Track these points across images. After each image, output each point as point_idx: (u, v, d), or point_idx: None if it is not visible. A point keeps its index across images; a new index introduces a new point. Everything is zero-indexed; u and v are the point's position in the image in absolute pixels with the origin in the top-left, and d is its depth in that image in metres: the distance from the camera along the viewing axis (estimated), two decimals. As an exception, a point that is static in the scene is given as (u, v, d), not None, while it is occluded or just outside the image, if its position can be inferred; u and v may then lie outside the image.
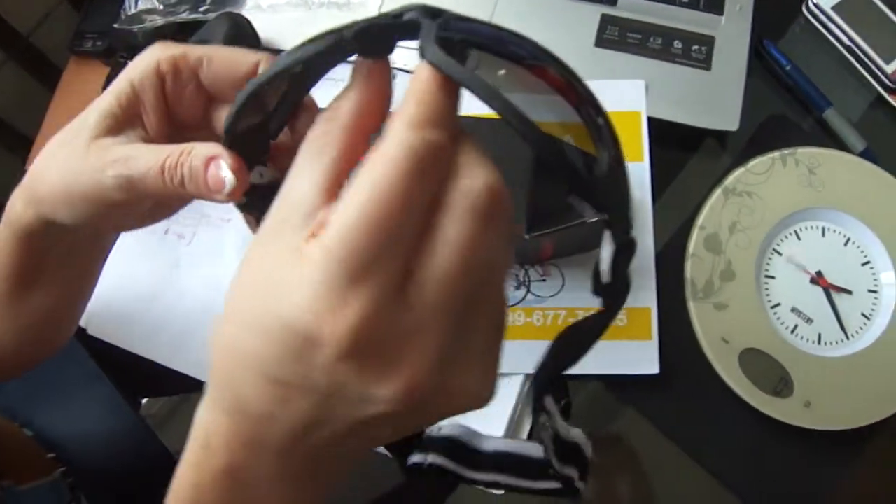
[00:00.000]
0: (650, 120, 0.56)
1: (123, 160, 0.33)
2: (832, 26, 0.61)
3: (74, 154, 0.34)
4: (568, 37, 0.59)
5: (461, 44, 0.23)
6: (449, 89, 0.22)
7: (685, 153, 0.59)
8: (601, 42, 0.58)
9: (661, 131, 0.56)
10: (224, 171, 0.30)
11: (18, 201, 0.38)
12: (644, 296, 0.53)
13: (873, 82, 0.60)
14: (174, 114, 0.36)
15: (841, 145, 0.58)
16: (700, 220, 0.54)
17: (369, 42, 0.23)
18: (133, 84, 0.34)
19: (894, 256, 0.54)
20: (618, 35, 0.58)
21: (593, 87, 0.59)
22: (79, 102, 0.62)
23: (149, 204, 0.37)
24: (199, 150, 0.31)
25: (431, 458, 0.38)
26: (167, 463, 0.56)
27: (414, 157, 0.20)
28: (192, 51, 0.34)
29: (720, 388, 0.52)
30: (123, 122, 0.35)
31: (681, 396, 0.53)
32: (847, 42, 0.60)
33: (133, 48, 0.62)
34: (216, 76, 0.34)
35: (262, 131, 0.31)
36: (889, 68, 0.59)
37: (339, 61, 0.25)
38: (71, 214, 0.36)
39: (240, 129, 0.29)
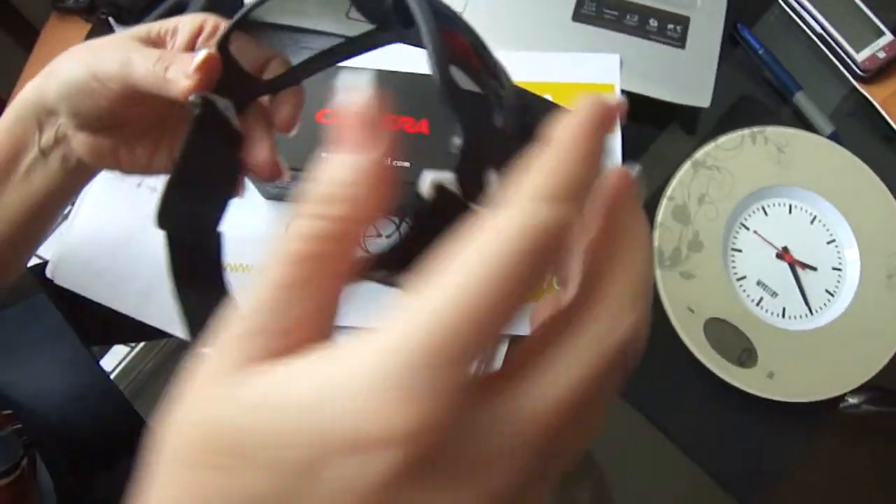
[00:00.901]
0: (624, 93, 0.58)
1: (135, 46, 0.38)
2: (805, 14, 0.64)
3: (103, 40, 0.40)
4: (546, 10, 0.61)
5: None
6: (593, 158, 0.19)
7: (656, 129, 0.61)
8: (578, 17, 0.61)
9: (633, 105, 0.58)
10: (199, 54, 0.35)
11: (33, 80, 0.42)
12: (612, 262, 0.55)
13: (843, 70, 0.63)
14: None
15: (810, 128, 0.61)
16: (669, 190, 0.57)
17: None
18: (178, 22, 0.41)
19: (859, 236, 0.56)
20: (595, 10, 0.61)
21: (567, 60, 0.62)
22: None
23: (126, 103, 0.40)
24: (194, 53, 0.36)
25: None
26: (131, 419, 0.57)
27: (539, 235, 0.17)
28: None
29: (685, 356, 0.54)
30: (153, 42, 0.41)
31: (645, 363, 0.54)
32: (819, 30, 0.63)
33: (116, 6, 0.64)
34: (239, 51, 0.38)
35: (250, 83, 0.37)
36: (859, 57, 0.62)
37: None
38: (64, 80, 0.40)
39: (231, 58, 0.36)
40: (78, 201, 0.61)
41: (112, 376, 0.60)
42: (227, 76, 0.37)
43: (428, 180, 0.22)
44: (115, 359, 0.78)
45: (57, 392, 0.69)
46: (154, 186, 0.60)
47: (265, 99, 0.41)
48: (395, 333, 0.16)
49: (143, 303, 0.57)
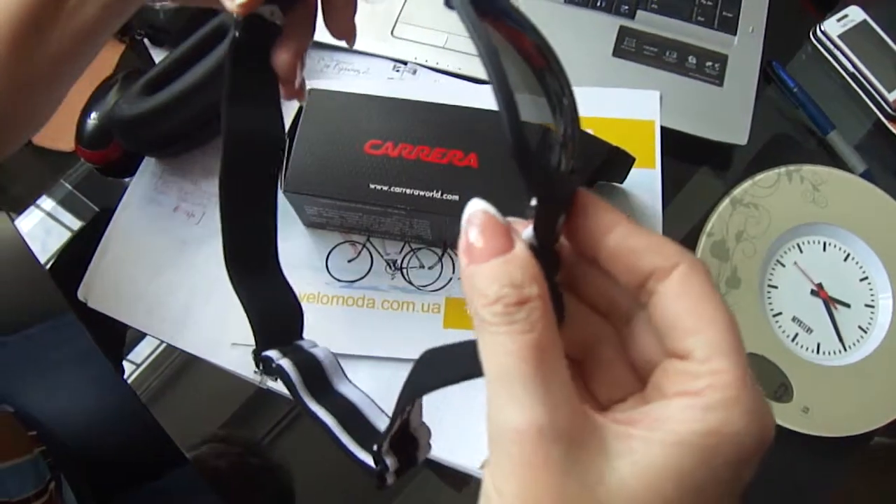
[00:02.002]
0: (663, 129, 0.61)
1: None
2: (838, 53, 0.67)
3: None
4: (587, 45, 0.64)
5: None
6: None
7: (695, 164, 0.64)
8: (619, 52, 0.64)
9: (673, 141, 0.61)
10: None
11: None
12: (652, 297, 0.57)
13: (875, 109, 0.66)
14: None
15: (843, 166, 0.63)
16: (708, 227, 0.59)
17: None
18: None
19: (891, 273, 0.59)
20: (635, 47, 0.64)
21: (609, 96, 0.65)
22: (90, 80, 0.65)
23: None
24: None
25: (283, 363, 0.40)
26: (159, 441, 0.58)
27: (706, 267, 0.24)
28: None
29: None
30: None
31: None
32: (851, 69, 0.66)
33: (153, 26, 0.66)
34: None
35: None
36: (890, 96, 0.65)
37: None
38: None
39: None
40: (111, 223, 0.62)
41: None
42: None
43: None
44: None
45: (83, 413, 0.70)
46: (190, 212, 0.62)
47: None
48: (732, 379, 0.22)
49: (181, 330, 0.58)
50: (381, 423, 0.43)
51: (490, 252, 0.22)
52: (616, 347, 0.27)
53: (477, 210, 0.23)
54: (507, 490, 0.21)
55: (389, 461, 0.37)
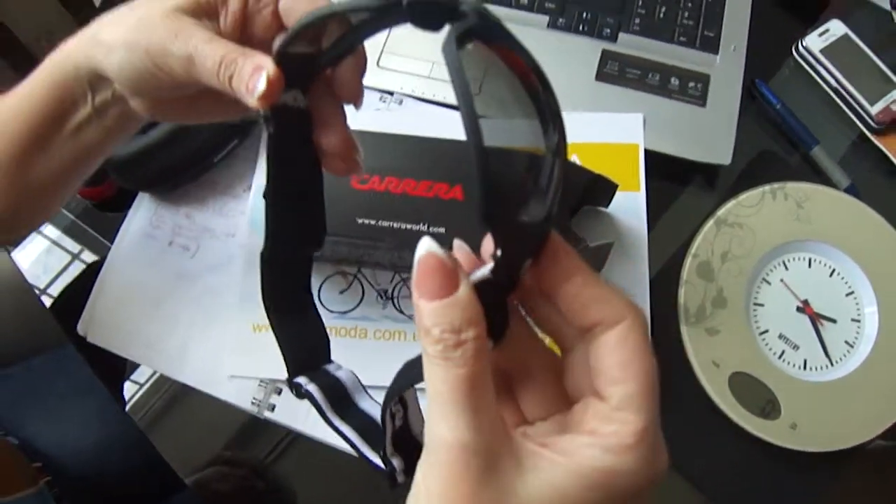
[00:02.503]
0: (647, 152, 0.62)
1: (196, 39, 0.38)
2: (820, 69, 0.68)
3: (151, 15, 0.39)
4: (570, 70, 0.65)
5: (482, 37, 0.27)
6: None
7: (679, 185, 0.65)
8: (601, 76, 0.65)
9: (657, 163, 0.62)
10: (262, 81, 0.35)
11: (71, 42, 0.43)
12: (639, 319, 0.58)
13: (858, 123, 0.67)
14: (247, 27, 0.41)
15: (827, 181, 0.65)
16: (693, 248, 0.60)
17: (422, 13, 0.28)
18: None
19: (876, 287, 0.60)
20: (618, 70, 0.65)
21: (593, 120, 0.66)
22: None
23: (190, 91, 0.42)
24: (255, 58, 0.36)
25: (311, 388, 0.43)
26: (159, 469, 0.60)
27: (648, 332, 0.27)
28: None
29: (710, 408, 0.58)
30: (204, 12, 0.40)
31: (672, 416, 0.58)
32: (834, 84, 0.67)
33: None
34: (292, 9, 0.39)
35: (311, 63, 0.37)
36: (873, 110, 0.66)
37: (391, 24, 0.30)
38: (123, 62, 0.40)
39: (290, 52, 0.36)
40: (108, 258, 0.64)
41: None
42: (289, 68, 0.37)
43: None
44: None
45: (85, 445, 0.72)
46: (185, 245, 0.63)
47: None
48: (634, 417, 0.25)
49: (179, 363, 0.60)
50: None
51: (435, 293, 0.25)
52: (551, 373, 0.30)
53: (425, 252, 0.25)
54: (433, 489, 0.25)
55: (396, 462, 0.39)
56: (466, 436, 0.24)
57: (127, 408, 0.66)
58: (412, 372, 0.30)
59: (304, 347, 0.47)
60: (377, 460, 0.42)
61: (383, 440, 0.43)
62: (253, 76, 0.36)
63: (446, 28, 0.27)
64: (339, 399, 0.45)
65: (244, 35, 0.41)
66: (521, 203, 0.27)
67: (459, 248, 0.29)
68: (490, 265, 0.26)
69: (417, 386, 0.29)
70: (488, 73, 0.28)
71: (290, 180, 0.41)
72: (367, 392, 0.47)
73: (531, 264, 0.28)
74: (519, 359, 0.31)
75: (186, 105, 0.44)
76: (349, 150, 0.41)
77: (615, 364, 0.26)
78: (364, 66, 0.41)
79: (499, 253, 0.25)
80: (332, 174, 0.42)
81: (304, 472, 0.60)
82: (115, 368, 0.65)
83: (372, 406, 0.46)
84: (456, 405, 0.25)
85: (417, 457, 0.39)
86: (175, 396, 0.63)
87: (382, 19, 0.33)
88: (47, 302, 0.68)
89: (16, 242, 0.53)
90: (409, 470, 0.39)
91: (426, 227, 0.54)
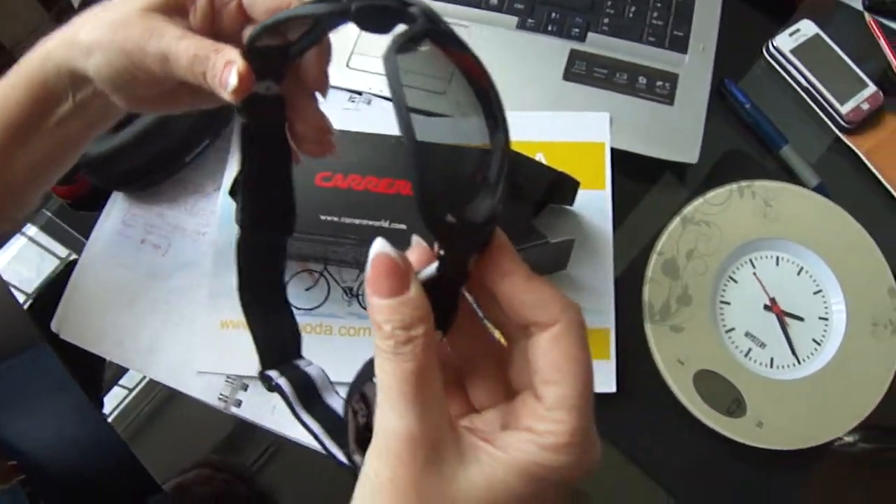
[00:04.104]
0: (614, 151, 0.63)
1: (169, 37, 0.40)
2: (791, 68, 0.68)
3: (125, 15, 0.41)
4: (538, 70, 0.66)
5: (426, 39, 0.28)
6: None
7: (646, 184, 0.65)
8: (569, 76, 0.65)
9: (623, 162, 0.63)
10: (233, 75, 0.37)
11: (51, 42, 0.44)
12: (603, 317, 0.59)
13: (829, 122, 0.67)
14: (215, 22, 0.42)
15: (797, 181, 0.65)
16: (659, 246, 0.61)
17: (370, 19, 0.30)
18: None
19: (844, 285, 0.60)
20: (585, 69, 0.65)
21: (559, 119, 0.67)
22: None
23: (168, 85, 0.43)
24: (226, 53, 0.38)
25: (281, 382, 0.44)
26: (134, 470, 0.60)
27: (584, 332, 0.28)
28: None
29: (675, 407, 0.58)
30: (174, 10, 0.42)
31: (637, 414, 0.59)
32: (805, 84, 0.68)
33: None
34: (256, 1, 0.41)
35: (281, 54, 0.38)
36: (844, 109, 0.66)
37: (343, 23, 0.32)
38: (101, 63, 0.42)
39: (259, 45, 0.37)
40: (82, 256, 0.64)
41: (110, 419, 0.63)
42: (260, 60, 0.39)
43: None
44: (114, 400, 0.82)
45: (60, 443, 0.73)
46: (157, 244, 0.64)
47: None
48: (565, 414, 0.27)
49: (149, 359, 0.60)
50: None
51: (387, 291, 0.26)
52: (495, 361, 0.32)
53: (379, 251, 0.27)
54: (381, 474, 0.27)
55: (357, 459, 0.40)
56: (414, 426, 0.26)
57: (116, 412, 0.66)
58: (371, 369, 0.31)
59: (277, 340, 0.48)
60: (342, 457, 0.43)
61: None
62: (225, 71, 0.37)
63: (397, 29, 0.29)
64: (308, 394, 0.46)
65: (214, 28, 0.43)
66: (467, 200, 0.28)
67: (417, 243, 0.30)
68: (435, 263, 0.28)
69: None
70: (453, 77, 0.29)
71: (262, 167, 0.42)
72: (334, 389, 0.48)
73: (478, 258, 0.29)
74: (468, 350, 0.33)
75: (166, 97, 0.46)
76: (323, 131, 0.43)
77: (549, 366, 0.28)
78: (328, 56, 0.42)
79: (441, 252, 0.27)
80: (308, 156, 0.44)
81: (290, 477, 0.60)
82: (93, 367, 0.65)
83: (339, 403, 0.47)
84: (404, 397, 0.26)
85: None
86: (164, 401, 0.64)
87: (334, 20, 0.34)
88: (27, 301, 0.69)
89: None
90: None
91: (388, 223, 0.54)
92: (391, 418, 0.26)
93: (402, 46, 0.26)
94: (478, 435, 0.28)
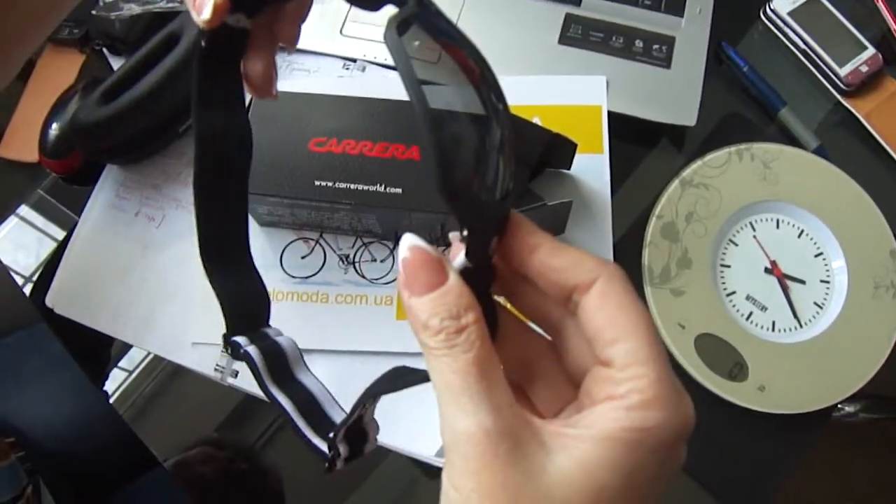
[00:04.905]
0: (611, 114, 0.62)
1: None
2: (788, 31, 0.67)
3: None
4: (533, 34, 0.64)
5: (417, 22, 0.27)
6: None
7: (644, 147, 0.64)
8: (564, 40, 0.64)
9: (622, 125, 0.62)
10: (209, 6, 0.35)
11: None
12: (603, 281, 0.58)
13: (828, 85, 0.66)
14: None
15: (795, 143, 0.64)
16: (658, 209, 0.60)
17: None
18: None
19: (846, 248, 0.59)
20: (581, 33, 0.64)
21: (555, 83, 0.66)
22: (52, 91, 0.67)
23: None
24: None
25: (250, 349, 0.43)
26: (133, 447, 0.60)
27: (628, 282, 0.27)
28: None
29: (677, 370, 0.56)
30: None
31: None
32: (803, 46, 0.67)
33: (110, 36, 0.67)
34: None
35: None
36: (843, 71, 0.65)
37: None
38: None
39: None
40: (76, 231, 0.64)
41: (112, 400, 0.63)
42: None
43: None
44: (114, 382, 0.81)
45: (59, 420, 0.72)
46: (151, 216, 0.63)
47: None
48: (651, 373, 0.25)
49: (144, 331, 0.59)
50: (335, 413, 0.44)
51: (426, 287, 0.25)
52: (552, 360, 0.30)
53: (410, 247, 0.26)
54: (463, 486, 0.24)
55: (342, 448, 0.39)
56: (488, 421, 0.24)
57: (117, 392, 0.66)
58: (398, 379, 0.31)
59: (243, 303, 0.47)
60: (315, 440, 0.41)
61: (323, 420, 0.42)
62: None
63: (386, 8, 0.28)
64: (278, 367, 0.45)
65: None
66: (479, 179, 0.27)
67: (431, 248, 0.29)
68: (462, 252, 0.27)
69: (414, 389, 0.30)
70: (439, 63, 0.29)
71: (215, 95, 0.41)
72: (305, 364, 0.46)
73: (498, 242, 0.28)
74: (520, 358, 0.30)
75: None
76: (268, 81, 0.42)
77: (604, 324, 0.26)
78: (305, 14, 0.42)
79: (465, 233, 0.26)
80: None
81: (293, 454, 0.60)
82: (98, 342, 0.64)
83: (310, 380, 0.46)
84: (471, 391, 0.24)
85: (361, 445, 0.39)
86: (165, 380, 0.63)
87: None
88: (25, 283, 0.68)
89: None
90: (351, 458, 0.39)
91: (383, 187, 0.53)
92: (461, 420, 0.24)
93: (399, 27, 0.25)
94: (556, 424, 0.26)
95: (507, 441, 0.24)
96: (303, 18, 0.42)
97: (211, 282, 0.44)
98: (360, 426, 0.38)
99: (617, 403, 0.25)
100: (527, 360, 0.30)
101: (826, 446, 0.58)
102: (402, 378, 0.30)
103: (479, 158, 0.28)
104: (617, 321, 0.26)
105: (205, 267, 0.43)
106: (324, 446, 0.41)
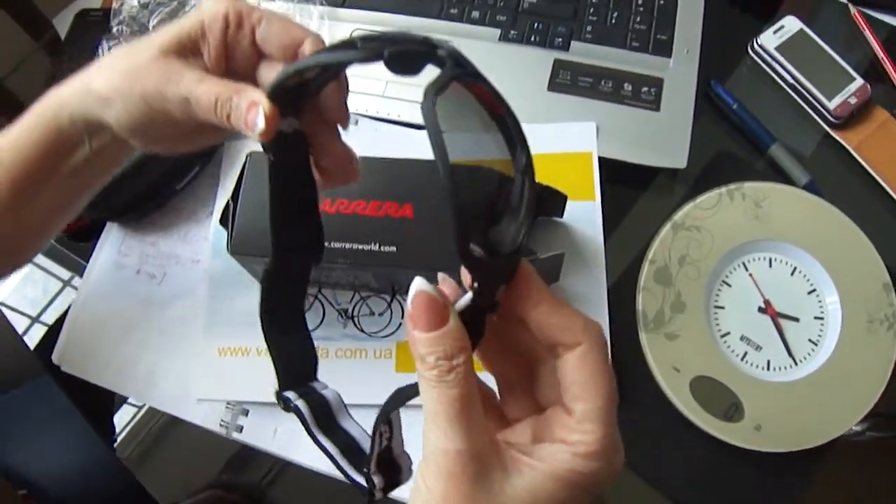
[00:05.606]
0: (602, 160, 0.62)
1: (187, 81, 0.40)
2: (776, 66, 0.67)
3: (140, 62, 0.41)
4: (522, 82, 0.65)
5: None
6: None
7: (636, 191, 0.65)
8: (554, 86, 0.65)
9: (612, 170, 0.62)
10: (260, 118, 0.37)
11: (64, 90, 0.44)
12: (598, 327, 0.58)
13: (817, 118, 0.66)
14: (229, 59, 0.42)
15: (786, 179, 0.64)
16: (650, 254, 0.60)
17: (401, 64, 0.30)
18: (203, 21, 0.41)
19: (839, 283, 0.60)
20: (570, 79, 0.65)
21: (545, 131, 0.66)
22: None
23: (188, 128, 0.43)
24: (248, 94, 0.38)
25: (299, 403, 0.46)
26: (139, 495, 0.61)
27: (605, 350, 0.31)
28: (255, 10, 0.42)
29: (673, 414, 0.57)
30: (188, 51, 0.42)
31: (635, 423, 0.58)
32: (791, 80, 0.67)
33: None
34: (269, 38, 0.42)
35: (301, 91, 0.39)
36: (831, 104, 0.65)
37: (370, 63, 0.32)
38: (121, 111, 0.42)
39: (280, 87, 0.37)
40: (79, 290, 0.65)
41: (120, 437, 0.64)
42: (281, 99, 0.39)
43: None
44: (124, 418, 0.82)
45: (67, 471, 0.73)
46: (153, 273, 0.64)
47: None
48: (596, 428, 0.30)
49: (148, 387, 0.61)
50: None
51: (428, 326, 0.29)
52: (525, 386, 0.35)
53: (417, 290, 0.30)
54: (434, 488, 0.29)
55: (377, 479, 0.41)
56: (462, 445, 0.29)
57: (122, 434, 0.67)
58: (401, 396, 0.34)
59: (296, 362, 0.49)
60: (358, 477, 0.44)
61: (365, 458, 0.45)
62: (250, 112, 0.38)
63: (427, 70, 0.30)
64: (325, 416, 0.47)
65: (228, 66, 0.43)
66: (495, 232, 0.30)
67: (444, 279, 0.33)
68: (470, 294, 0.30)
69: (410, 404, 0.33)
70: (463, 110, 0.31)
71: (289, 199, 0.43)
72: (348, 412, 0.48)
73: (505, 288, 0.31)
74: (501, 368, 0.36)
75: (185, 137, 0.46)
76: (347, 161, 0.44)
77: (576, 383, 0.30)
78: (346, 91, 0.43)
79: (476, 285, 0.30)
80: (335, 186, 0.45)
81: (296, 495, 0.61)
82: (101, 392, 0.65)
83: (352, 426, 0.48)
84: (451, 420, 0.29)
85: (396, 476, 0.42)
86: (170, 423, 0.64)
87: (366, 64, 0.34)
88: (37, 330, 0.69)
89: (3, 277, 0.55)
90: (388, 488, 0.42)
91: (378, 246, 0.54)
92: (440, 439, 0.29)
93: (438, 90, 0.27)
94: (516, 449, 0.31)
95: (475, 463, 0.29)
96: (344, 96, 0.43)
97: (269, 344, 0.46)
98: (391, 459, 0.41)
99: (568, 448, 0.30)
100: (507, 375, 0.36)
101: (833, 465, 0.58)
102: (403, 394, 0.34)
103: (498, 216, 0.31)
104: (587, 384, 0.30)
105: (264, 331, 0.45)
106: (363, 481, 0.43)
